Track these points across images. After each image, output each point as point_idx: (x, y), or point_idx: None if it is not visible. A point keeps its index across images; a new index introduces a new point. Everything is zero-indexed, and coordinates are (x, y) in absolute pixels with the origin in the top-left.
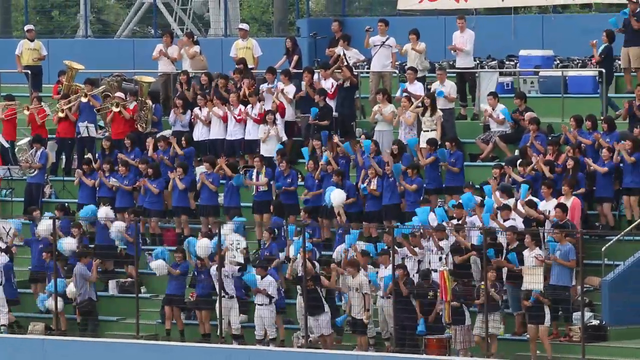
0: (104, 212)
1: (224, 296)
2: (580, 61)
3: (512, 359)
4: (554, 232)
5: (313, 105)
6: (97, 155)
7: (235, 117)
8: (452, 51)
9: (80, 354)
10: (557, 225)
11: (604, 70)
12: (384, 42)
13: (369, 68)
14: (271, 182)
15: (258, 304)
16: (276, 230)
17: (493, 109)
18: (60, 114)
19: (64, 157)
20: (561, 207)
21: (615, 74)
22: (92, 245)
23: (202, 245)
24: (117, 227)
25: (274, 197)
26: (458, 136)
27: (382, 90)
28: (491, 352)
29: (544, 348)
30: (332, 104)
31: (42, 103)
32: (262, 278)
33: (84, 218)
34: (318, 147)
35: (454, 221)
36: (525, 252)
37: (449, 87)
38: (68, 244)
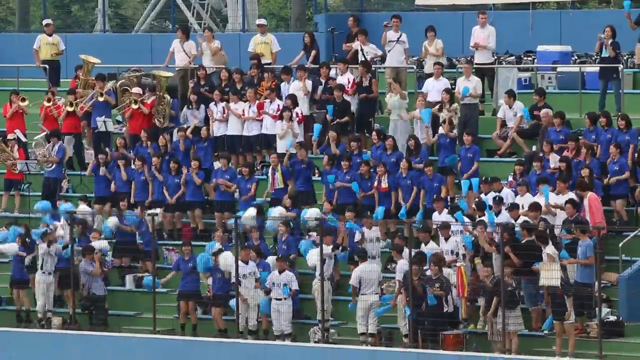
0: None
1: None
2: (598, 57)
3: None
4: (574, 228)
5: (330, 101)
6: (112, 150)
7: (253, 118)
8: (473, 48)
9: (98, 349)
10: (573, 221)
11: (621, 66)
12: (398, 39)
13: (384, 64)
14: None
15: (276, 299)
16: (292, 224)
17: (510, 107)
18: (69, 108)
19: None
20: (572, 202)
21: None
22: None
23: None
24: (112, 222)
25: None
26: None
27: (398, 80)
28: (509, 349)
29: (565, 344)
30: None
31: (57, 97)
32: (280, 273)
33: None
34: (334, 140)
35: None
36: (543, 249)
37: (475, 82)
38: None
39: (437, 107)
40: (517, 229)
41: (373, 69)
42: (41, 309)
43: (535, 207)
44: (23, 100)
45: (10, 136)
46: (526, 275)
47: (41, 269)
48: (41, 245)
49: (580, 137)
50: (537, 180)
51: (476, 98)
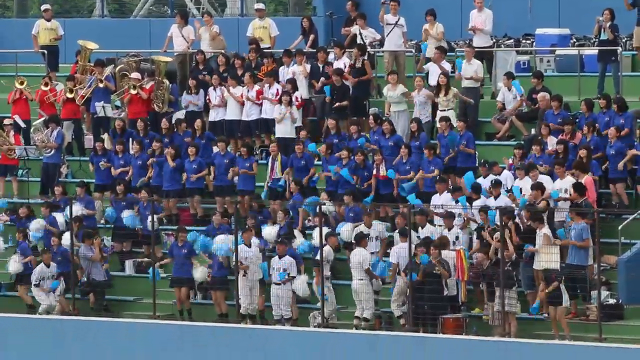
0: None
1: (244, 275)
2: (597, 40)
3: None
4: (570, 211)
5: (327, 85)
6: (110, 134)
7: (252, 101)
8: (471, 32)
9: (98, 334)
10: (579, 205)
11: (619, 49)
12: (396, 22)
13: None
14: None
15: (275, 283)
16: (291, 212)
17: (509, 89)
18: (69, 95)
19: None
20: (577, 187)
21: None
22: (111, 226)
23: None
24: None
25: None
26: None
27: (394, 72)
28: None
29: (561, 327)
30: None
31: (54, 82)
32: (280, 258)
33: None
34: (332, 127)
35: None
36: (537, 231)
37: (476, 66)
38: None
39: (435, 91)
40: (517, 212)
41: (372, 52)
42: (43, 312)
43: (537, 186)
44: (22, 83)
45: (7, 121)
46: (521, 257)
47: (38, 286)
48: (38, 268)
49: (577, 120)
50: (526, 166)
51: (477, 82)
